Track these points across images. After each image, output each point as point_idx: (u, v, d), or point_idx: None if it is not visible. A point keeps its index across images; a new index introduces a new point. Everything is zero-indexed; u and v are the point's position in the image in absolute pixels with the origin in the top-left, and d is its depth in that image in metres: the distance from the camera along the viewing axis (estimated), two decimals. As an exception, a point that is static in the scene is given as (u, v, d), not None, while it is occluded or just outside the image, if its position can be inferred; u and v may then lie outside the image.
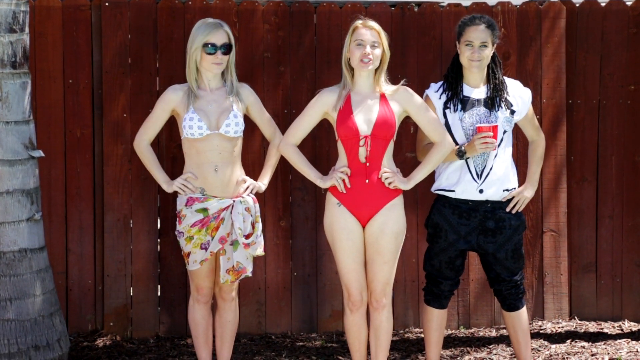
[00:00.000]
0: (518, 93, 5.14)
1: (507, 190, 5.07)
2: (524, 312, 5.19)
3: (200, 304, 5.17)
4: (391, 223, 4.93)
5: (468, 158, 5.03)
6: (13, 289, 5.22)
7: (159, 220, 6.14)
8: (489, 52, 5.02)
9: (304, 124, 5.01)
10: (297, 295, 6.24)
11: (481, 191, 5.04)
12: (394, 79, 6.17)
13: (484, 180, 5.03)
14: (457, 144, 5.05)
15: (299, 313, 6.24)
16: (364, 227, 4.94)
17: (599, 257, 6.41)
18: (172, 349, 5.98)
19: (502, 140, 5.05)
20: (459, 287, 5.27)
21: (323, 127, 5.47)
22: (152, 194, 6.08)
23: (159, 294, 6.16)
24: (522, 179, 5.25)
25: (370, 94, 4.95)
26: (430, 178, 5.22)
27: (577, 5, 6.34)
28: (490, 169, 5.03)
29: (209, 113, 5.02)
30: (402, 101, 4.98)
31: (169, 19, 6.06)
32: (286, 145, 5.03)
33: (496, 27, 5.07)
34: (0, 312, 5.19)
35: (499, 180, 5.04)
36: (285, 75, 6.16)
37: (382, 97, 4.95)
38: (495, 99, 5.05)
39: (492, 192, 5.05)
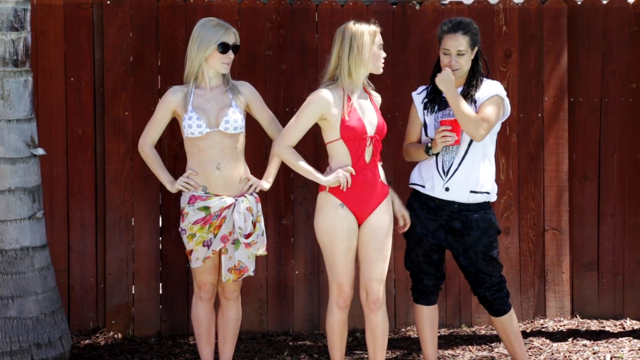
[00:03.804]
0: (485, 89, 5.06)
1: (475, 192, 5.05)
2: (512, 314, 5.17)
3: (204, 302, 5.18)
4: (387, 220, 4.97)
5: (435, 154, 5.05)
6: (15, 287, 5.22)
7: (160, 218, 6.14)
8: (466, 58, 5.01)
9: (301, 127, 4.97)
10: (299, 293, 6.24)
11: (447, 189, 5.04)
12: (396, 77, 6.20)
13: (449, 178, 5.04)
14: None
15: (301, 311, 6.24)
16: (359, 225, 4.97)
17: (600, 255, 6.40)
18: (174, 347, 5.98)
19: (471, 140, 5.02)
20: (444, 282, 5.25)
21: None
22: (153, 192, 6.08)
23: (160, 292, 6.16)
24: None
25: (362, 94, 5.00)
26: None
27: (579, 3, 6.34)
28: (457, 168, 5.03)
29: (208, 111, 5.03)
30: (379, 105, 5.10)
31: (170, 17, 6.06)
32: (282, 147, 4.99)
33: (474, 31, 5.03)
34: (2, 310, 5.19)
35: (465, 179, 5.02)
36: (286, 74, 6.16)
37: (370, 98, 5.02)
38: (465, 99, 5.02)
39: (458, 192, 5.03)
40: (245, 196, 5.07)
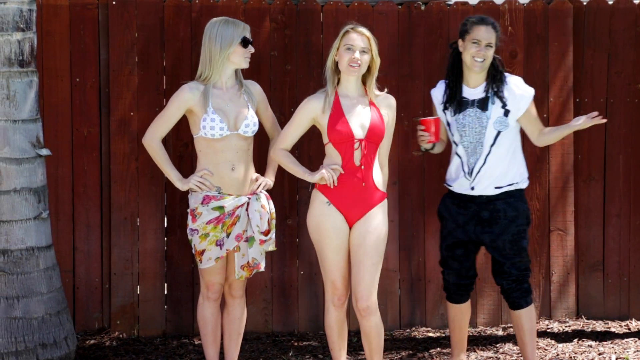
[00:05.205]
0: (514, 92, 5.15)
1: (499, 187, 5.12)
2: (528, 311, 5.19)
3: (210, 302, 5.18)
4: (380, 225, 4.96)
5: (425, 150, 5.15)
6: (20, 287, 5.23)
7: (165, 218, 6.15)
8: (492, 53, 5.10)
9: (293, 132, 5.05)
10: (304, 293, 6.24)
11: (473, 188, 5.14)
12: (401, 78, 6.19)
13: (474, 178, 5.12)
14: (455, 143, 5.17)
15: (306, 311, 6.24)
16: (350, 228, 4.97)
17: (606, 256, 6.39)
18: (178, 347, 5.98)
19: (495, 139, 5.10)
20: (469, 284, 5.25)
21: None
22: (159, 192, 6.09)
23: (165, 292, 6.17)
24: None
25: (360, 98, 5.00)
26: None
27: (585, 3, 6.33)
28: (481, 168, 5.11)
29: (228, 113, 5.05)
30: (388, 109, 5.05)
31: (175, 17, 6.07)
32: (275, 150, 5.10)
33: (500, 30, 5.15)
34: (8, 310, 5.20)
35: (491, 178, 5.12)
36: (291, 74, 6.16)
37: (373, 103, 5.01)
38: (487, 100, 5.11)
39: (483, 189, 5.13)
40: (257, 194, 5.10)
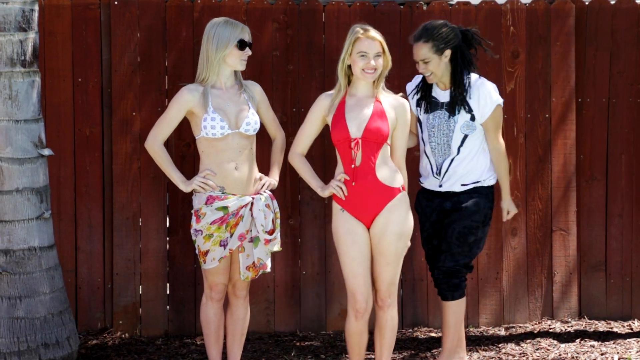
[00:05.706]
0: (480, 98, 5.20)
1: (465, 185, 5.23)
2: (453, 305, 5.25)
3: (214, 302, 5.19)
4: (392, 224, 4.94)
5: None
6: (23, 287, 5.23)
7: (168, 218, 6.15)
8: (434, 64, 5.15)
9: (307, 132, 5.08)
10: (306, 293, 6.24)
11: (440, 186, 5.28)
12: (403, 78, 6.18)
13: (442, 177, 5.25)
14: (423, 141, 5.31)
15: (308, 311, 6.25)
16: (369, 229, 4.97)
17: (608, 256, 6.39)
18: (181, 347, 5.99)
19: (463, 142, 5.19)
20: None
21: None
22: (161, 192, 6.09)
23: (168, 292, 6.17)
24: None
25: (366, 98, 4.99)
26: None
27: (587, 3, 6.33)
28: (448, 168, 5.23)
29: (228, 112, 5.05)
30: (398, 112, 5.01)
31: (177, 17, 6.07)
32: (293, 154, 5.11)
33: (438, 35, 5.13)
34: (10, 310, 5.21)
35: (456, 177, 5.24)
36: (293, 74, 6.16)
37: (378, 101, 4.98)
38: (455, 104, 5.20)
39: (450, 186, 5.25)
40: (261, 194, 5.10)
